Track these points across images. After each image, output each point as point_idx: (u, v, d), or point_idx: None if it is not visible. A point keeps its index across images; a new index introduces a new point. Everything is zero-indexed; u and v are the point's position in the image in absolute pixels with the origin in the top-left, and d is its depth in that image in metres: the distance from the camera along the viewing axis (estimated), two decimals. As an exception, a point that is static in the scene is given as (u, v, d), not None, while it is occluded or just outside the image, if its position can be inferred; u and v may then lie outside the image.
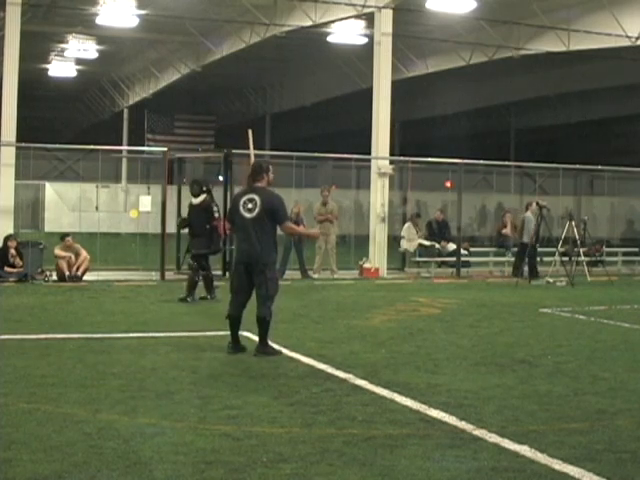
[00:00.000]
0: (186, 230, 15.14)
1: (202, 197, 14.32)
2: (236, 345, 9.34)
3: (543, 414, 6.80)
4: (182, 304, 13.85)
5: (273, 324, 9.43)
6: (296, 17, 24.73)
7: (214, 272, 15.01)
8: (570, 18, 23.25)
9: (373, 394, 7.41)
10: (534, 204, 20.24)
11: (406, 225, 21.65)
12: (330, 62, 33.35)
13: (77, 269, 17.35)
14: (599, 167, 25.05)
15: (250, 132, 10.39)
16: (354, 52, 29.56)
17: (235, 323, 9.33)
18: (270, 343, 9.35)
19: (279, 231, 9.40)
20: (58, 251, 17.47)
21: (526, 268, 19.76)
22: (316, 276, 19.48)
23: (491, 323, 12.32)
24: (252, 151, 10.29)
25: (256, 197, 9.25)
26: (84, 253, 17.63)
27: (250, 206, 9.21)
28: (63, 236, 18.04)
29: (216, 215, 14.38)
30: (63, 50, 33.62)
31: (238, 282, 9.36)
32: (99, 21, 26.11)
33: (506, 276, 20.81)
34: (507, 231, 22.81)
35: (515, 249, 22.30)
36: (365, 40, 26.48)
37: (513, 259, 21.76)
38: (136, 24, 26.54)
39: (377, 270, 20.14)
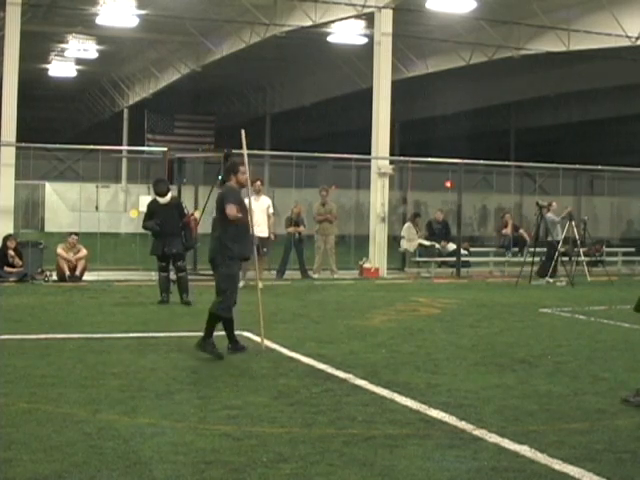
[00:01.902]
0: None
1: (169, 195, 14.03)
2: (235, 345, 9.35)
3: (543, 414, 6.81)
4: (182, 305, 13.83)
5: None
6: (296, 17, 24.73)
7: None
8: (570, 18, 23.25)
9: (373, 394, 7.41)
10: (554, 203, 20.39)
11: (406, 225, 21.65)
12: (330, 62, 33.34)
13: (75, 269, 17.34)
14: (599, 167, 25.06)
15: (243, 132, 10.32)
16: (354, 52, 29.55)
17: (229, 323, 9.38)
18: (212, 341, 9.08)
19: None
20: (60, 250, 17.46)
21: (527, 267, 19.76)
22: (316, 276, 19.48)
23: (491, 323, 12.32)
24: (245, 151, 10.18)
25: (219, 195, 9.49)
26: (84, 250, 17.64)
27: (216, 201, 9.49)
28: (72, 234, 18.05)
29: (186, 212, 14.24)
30: (63, 50, 33.62)
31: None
32: (99, 21, 26.11)
33: (506, 277, 20.80)
34: (507, 231, 22.84)
35: (515, 249, 22.35)
36: (365, 40, 26.48)
37: (514, 259, 21.79)
38: (136, 24, 26.53)
39: (377, 270, 20.13)
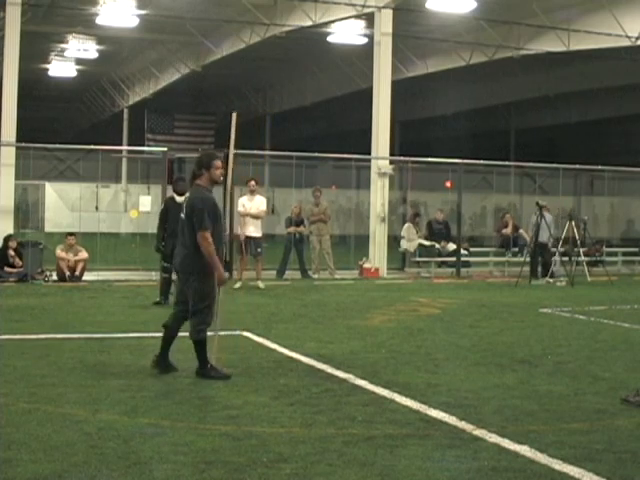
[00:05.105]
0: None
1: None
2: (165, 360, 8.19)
3: (543, 414, 6.80)
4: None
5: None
6: (296, 17, 24.73)
7: None
8: (570, 18, 23.26)
9: (373, 394, 7.41)
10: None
11: (406, 225, 21.66)
12: (330, 62, 33.35)
13: (74, 269, 17.33)
14: (599, 167, 25.06)
15: (235, 115, 9.41)
16: (354, 52, 29.55)
17: (167, 336, 8.25)
18: (214, 366, 8.03)
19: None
20: (59, 252, 17.44)
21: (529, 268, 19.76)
22: (316, 276, 19.48)
23: (491, 323, 12.32)
24: (233, 137, 9.29)
25: (188, 196, 8.31)
26: (84, 253, 17.63)
27: (184, 206, 8.25)
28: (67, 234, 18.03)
29: None
30: (63, 50, 33.62)
31: (177, 290, 8.57)
32: (99, 21, 26.10)
33: (506, 277, 20.78)
34: (507, 231, 22.84)
35: (515, 249, 22.35)
36: (365, 40, 26.48)
37: (514, 259, 21.78)
38: (136, 24, 26.51)
39: (377, 270, 20.13)
